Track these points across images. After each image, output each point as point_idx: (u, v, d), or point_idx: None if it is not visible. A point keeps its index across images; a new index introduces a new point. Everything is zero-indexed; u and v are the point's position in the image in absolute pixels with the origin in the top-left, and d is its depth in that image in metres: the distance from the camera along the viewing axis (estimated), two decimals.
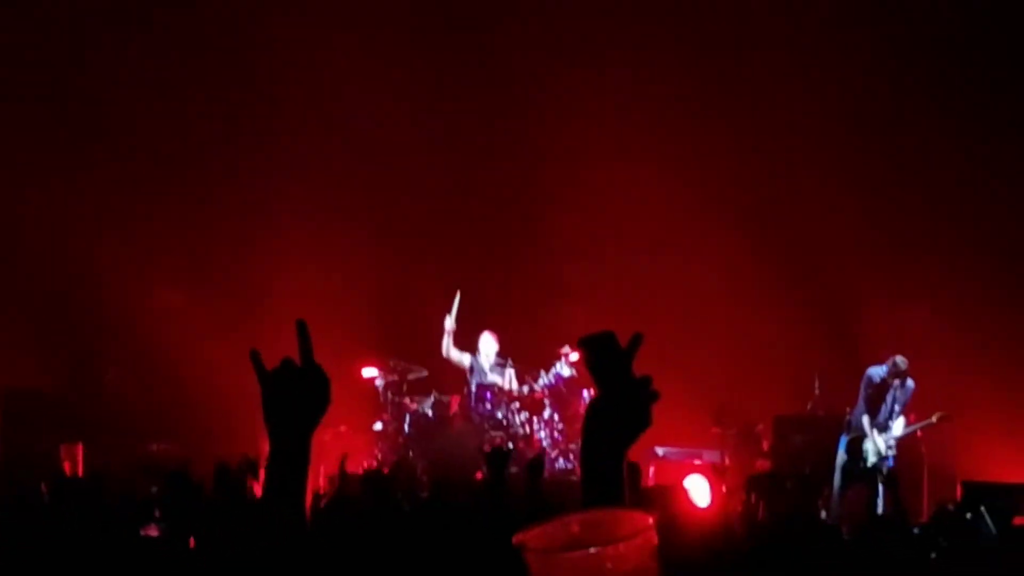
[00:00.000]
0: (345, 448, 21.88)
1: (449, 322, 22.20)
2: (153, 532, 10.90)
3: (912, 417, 20.31)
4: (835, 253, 22.88)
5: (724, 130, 23.70)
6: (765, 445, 22.07)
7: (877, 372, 20.07)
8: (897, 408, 20.08)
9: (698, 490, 18.53)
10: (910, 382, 20.05)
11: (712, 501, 18.43)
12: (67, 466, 19.78)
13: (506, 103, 24.88)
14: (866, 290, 22.90)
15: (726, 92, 24.06)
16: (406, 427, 22.20)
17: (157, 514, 12.14)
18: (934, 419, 20.21)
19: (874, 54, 23.49)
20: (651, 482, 20.08)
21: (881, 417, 20.09)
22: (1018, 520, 17.36)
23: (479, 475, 18.90)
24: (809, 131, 23.08)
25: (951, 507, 17.38)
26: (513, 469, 15.28)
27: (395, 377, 22.45)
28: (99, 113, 24.56)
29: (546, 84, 24.32)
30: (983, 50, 23.35)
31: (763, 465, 21.01)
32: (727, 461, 21.73)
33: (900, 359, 19.97)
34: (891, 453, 20.12)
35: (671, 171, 23.14)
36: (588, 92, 24.15)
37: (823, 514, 17.97)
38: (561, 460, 21.80)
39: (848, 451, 20.11)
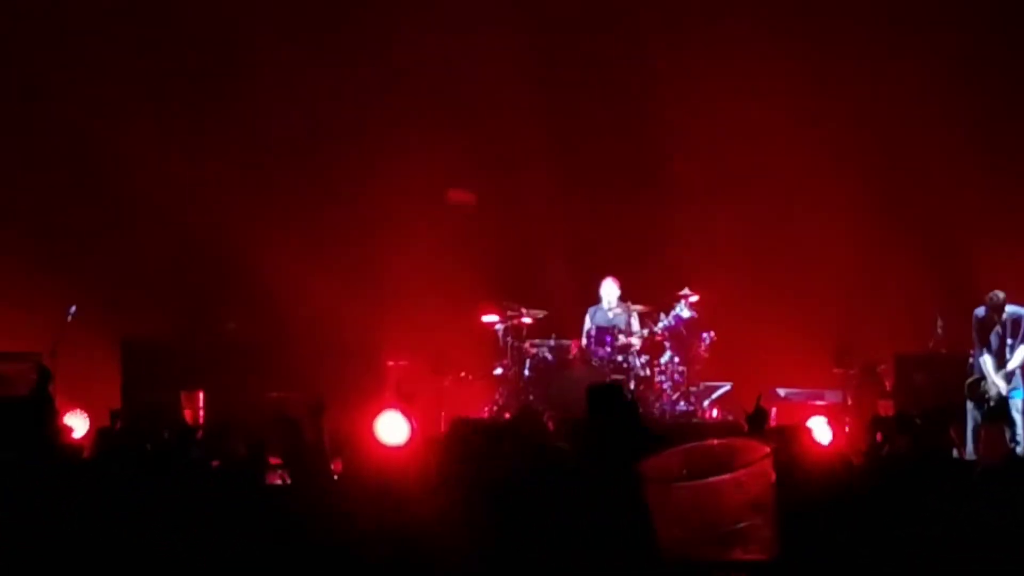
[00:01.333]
0: (456, 397, 22.10)
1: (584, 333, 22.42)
2: (280, 480, 11.04)
3: None
4: (953, 198, 22.78)
5: (848, 82, 23.60)
6: (888, 384, 21.99)
7: (979, 311, 20.00)
8: (1010, 341, 19.99)
9: (821, 430, 18.60)
10: (1015, 310, 19.91)
11: (834, 441, 18.50)
12: (188, 414, 20.00)
13: (629, 50, 24.78)
14: (982, 233, 22.74)
15: (849, 52, 23.95)
16: (526, 371, 22.25)
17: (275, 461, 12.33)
18: None
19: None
20: (774, 423, 20.08)
21: (996, 354, 20.04)
22: None
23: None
24: (927, 87, 22.91)
25: None
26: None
27: (515, 322, 22.54)
28: (229, 88, 24.85)
29: (670, 32, 24.22)
30: None
31: (886, 405, 20.97)
32: (849, 401, 21.75)
33: (995, 293, 19.82)
34: (1018, 391, 20.03)
35: (792, 118, 23.02)
36: (712, 39, 23.95)
37: (954, 453, 18.06)
38: (682, 403, 21.85)
39: (969, 395, 20.08)
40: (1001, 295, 19.76)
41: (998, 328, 19.80)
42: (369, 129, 24.81)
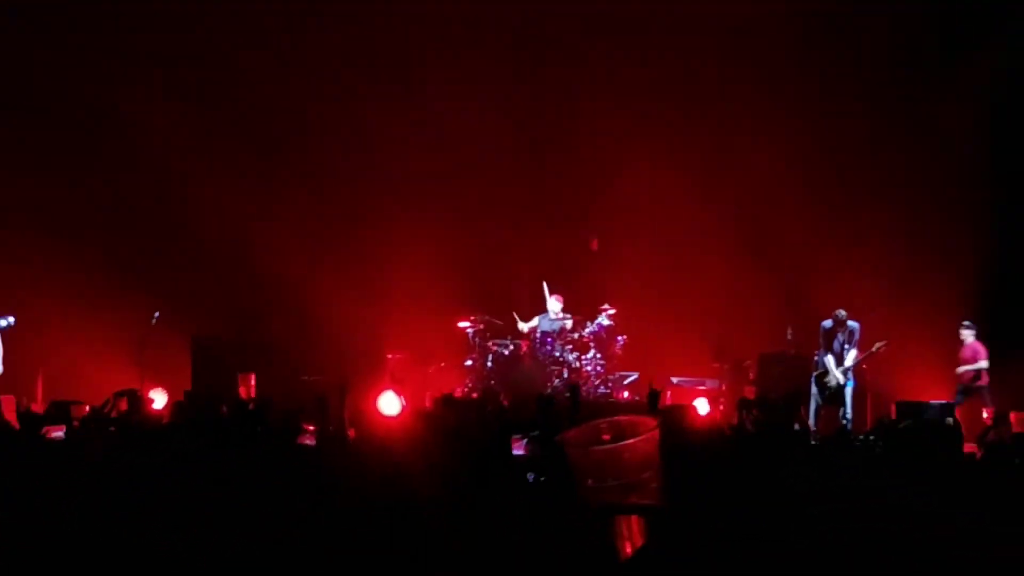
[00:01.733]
0: (438, 381, 22.22)
1: (524, 328, 22.53)
2: (308, 440, 11.09)
3: (860, 352, 20.44)
4: (800, 238, 22.80)
5: (726, 155, 23.62)
6: (751, 375, 22.17)
7: (826, 323, 20.34)
8: (847, 346, 20.28)
9: (703, 408, 18.77)
10: (852, 324, 20.26)
11: (712, 416, 18.66)
12: (243, 391, 20.04)
13: (572, 125, 24.67)
14: (819, 266, 22.83)
15: (726, 136, 23.96)
16: (489, 363, 22.53)
17: (308, 428, 12.38)
18: (874, 348, 20.36)
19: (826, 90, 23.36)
20: (668, 402, 20.26)
21: (836, 355, 20.31)
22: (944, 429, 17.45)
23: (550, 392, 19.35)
24: (785, 151, 23.00)
25: (887, 420, 17.56)
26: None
27: (481, 326, 22.75)
28: (269, 128, 24.80)
29: (600, 115, 24.19)
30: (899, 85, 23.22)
31: (750, 390, 21.12)
32: (723, 387, 21.92)
33: (840, 311, 20.35)
34: (849, 380, 20.30)
35: (687, 179, 23.13)
36: (629, 122, 23.79)
37: (796, 426, 18.20)
38: (602, 387, 22.12)
39: (816, 384, 20.34)
40: (843, 313, 20.44)
41: (839, 336, 20.15)
42: (379, 184, 24.68)
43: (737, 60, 23.60)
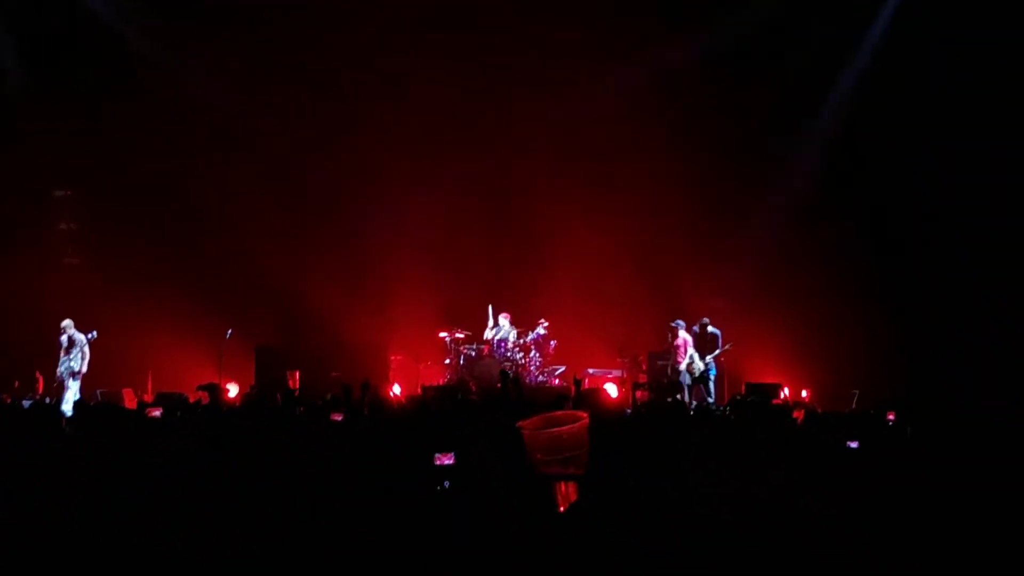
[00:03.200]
0: (426, 374, 22.22)
1: (488, 335, 22.49)
2: (337, 417, 11.06)
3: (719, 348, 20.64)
4: (681, 263, 22.95)
5: (625, 199, 23.48)
6: (644, 366, 22.25)
7: (695, 327, 20.56)
8: (709, 344, 20.51)
9: (611, 391, 18.81)
10: (712, 329, 20.49)
11: (618, 396, 18.69)
12: (291, 383, 19.97)
13: (507, 187, 24.45)
14: (699, 287, 23.02)
15: (618, 172, 23.96)
16: (460, 361, 22.51)
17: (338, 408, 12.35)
18: (725, 347, 20.63)
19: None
20: (585, 387, 20.31)
21: (701, 351, 20.48)
22: (775, 401, 17.61)
23: (499, 385, 19.22)
24: (664, 195, 23.14)
25: (739, 397, 17.68)
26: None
27: (454, 335, 22.75)
28: (306, 194, 24.79)
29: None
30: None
31: (643, 377, 21.24)
32: (624, 375, 21.99)
33: (704, 319, 20.53)
34: (711, 368, 20.45)
35: (592, 222, 23.20)
36: (548, 179, 23.64)
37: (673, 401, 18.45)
38: (540, 377, 22.16)
39: (687, 372, 20.47)
40: (706, 320, 20.36)
41: (705, 337, 20.36)
42: (388, 240, 24.50)
43: (633, 126, 23.41)
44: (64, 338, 20.27)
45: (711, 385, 20.59)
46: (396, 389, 19.40)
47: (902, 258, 21.72)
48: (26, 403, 16.00)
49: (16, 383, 21.48)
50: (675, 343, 20.94)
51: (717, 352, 20.71)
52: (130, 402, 19.23)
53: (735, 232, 23.37)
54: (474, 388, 17.58)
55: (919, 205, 21.57)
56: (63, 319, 20.45)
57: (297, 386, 19.64)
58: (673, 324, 21.09)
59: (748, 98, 23.26)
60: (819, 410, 13.34)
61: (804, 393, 20.03)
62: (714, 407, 18.07)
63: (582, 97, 24.08)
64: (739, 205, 23.45)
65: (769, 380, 20.56)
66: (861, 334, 21.60)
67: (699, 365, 20.54)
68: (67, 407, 17.31)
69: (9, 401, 17.38)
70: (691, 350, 20.73)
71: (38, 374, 20.79)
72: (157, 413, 11.07)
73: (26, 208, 24.60)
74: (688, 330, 21.10)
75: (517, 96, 24.22)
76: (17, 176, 24.14)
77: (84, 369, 20.28)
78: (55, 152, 24.09)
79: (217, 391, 12.49)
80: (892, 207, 21.74)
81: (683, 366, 20.54)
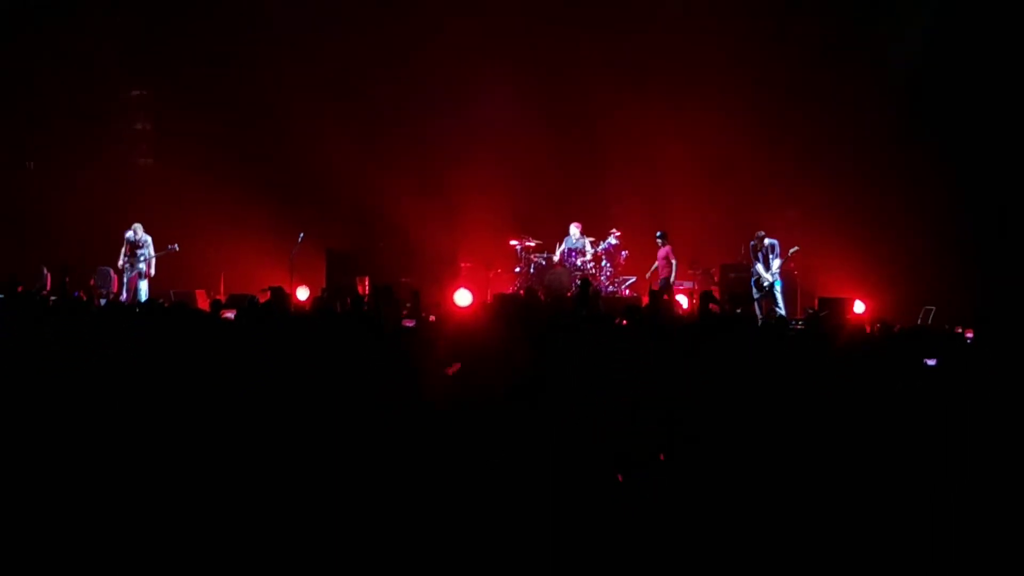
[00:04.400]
0: (495, 282, 22.19)
1: (556, 256, 22.34)
2: (408, 323, 11.07)
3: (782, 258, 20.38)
4: (755, 176, 22.68)
5: (702, 110, 23.05)
6: (716, 278, 22.07)
7: (752, 242, 20.37)
8: (772, 255, 20.21)
9: (683, 302, 18.76)
10: (769, 240, 20.19)
11: (689, 307, 18.61)
12: (360, 289, 20.06)
13: (579, 90, 24.21)
14: (770, 198, 22.68)
15: (696, 82, 23.51)
16: (531, 270, 22.43)
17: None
18: (790, 252, 20.36)
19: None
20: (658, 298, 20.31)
21: (764, 263, 20.23)
22: (849, 316, 17.43)
23: (569, 294, 19.16)
24: (740, 105, 22.74)
25: (811, 311, 17.53)
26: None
27: (525, 244, 22.65)
28: (377, 100, 24.80)
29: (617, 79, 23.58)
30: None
31: (715, 289, 21.03)
32: (695, 287, 21.82)
33: (759, 232, 20.31)
34: (777, 280, 20.20)
35: (667, 132, 22.89)
36: (624, 83, 23.40)
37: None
38: (611, 287, 22.03)
39: (754, 286, 20.28)
40: (762, 232, 20.30)
41: (763, 249, 20.00)
42: (460, 141, 24.46)
43: (711, 37, 23.11)
44: (131, 239, 20.53)
45: (779, 298, 20.35)
46: (462, 297, 19.37)
47: (982, 176, 21.26)
48: (103, 302, 16.26)
49: (92, 281, 21.81)
50: (658, 255, 20.92)
51: (780, 261, 20.37)
52: (203, 303, 19.47)
53: (811, 144, 22.95)
54: (543, 297, 17.52)
55: (1003, 124, 21.17)
56: (136, 220, 20.70)
57: (366, 292, 19.71)
58: (657, 236, 21.31)
59: (831, 8, 22.93)
60: (894, 326, 13.14)
61: (861, 308, 19.79)
62: (786, 320, 17.97)
63: (659, 6, 23.74)
64: (816, 118, 22.99)
65: (842, 295, 20.35)
66: (937, 250, 21.32)
67: (766, 277, 20.28)
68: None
69: (85, 299, 17.60)
70: (756, 264, 20.47)
71: (112, 273, 21.07)
72: (230, 315, 11.15)
73: (102, 108, 24.87)
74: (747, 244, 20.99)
75: (592, 3, 23.94)
76: (93, 76, 24.35)
77: (152, 272, 20.58)
78: (132, 52, 24.26)
79: (282, 293, 12.47)
80: (975, 124, 21.27)
81: (761, 275, 20.28)
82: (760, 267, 20.33)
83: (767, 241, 20.38)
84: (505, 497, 6.23)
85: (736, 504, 6.17)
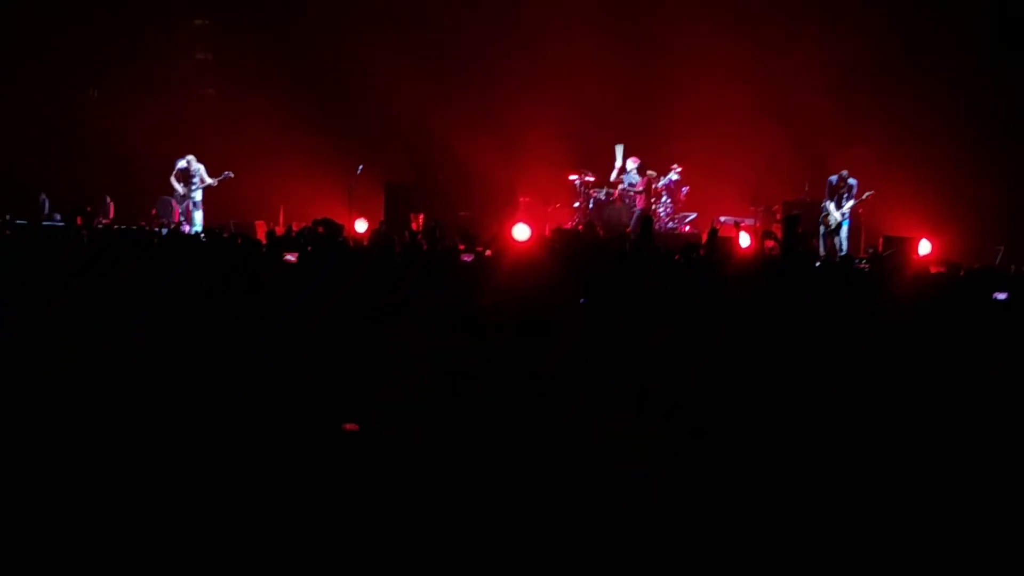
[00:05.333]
0: (554, 216, 22.14)
1: (614, 176, 22.10)
2: (467, 258, 11.08)
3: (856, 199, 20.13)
4: (828, 117, 22.19)
5: (765, 45, 22.95)
6: (778, 216, 21.81)
7: (832, 178, 20.06)
8: (846, 195, 19.96)
9: (744, 240, 18.55)
10: (852, 180, 19.92)
11: (750, 244, 18.44)
12: (413, 226, 20.05)
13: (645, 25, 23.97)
14: (840, 136, 22.28)
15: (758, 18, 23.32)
16: (590, 205, 22.32)
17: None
18: (864, 196, 20.08)
19: None
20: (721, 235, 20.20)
21: (837, 200, 20.00)
22: (915, 256, 17.25)
23: (627, 229, 19.07)
24: (806, 42, 22.55)
25: (872, 250, 17.37)
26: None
27: (584, 178, 22.53)
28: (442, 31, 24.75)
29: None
30: None
31: (776, 227, 20.84)
32: (757, 224, 21.61)
33: (843, 171, 19.96)
34: (845, 220, 19.99)
35: (731, 65, 22.60)
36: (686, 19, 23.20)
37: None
38: (671, 223, 21.89)
39: (821, 222, 20.06)
40: (846, 172, 19.90)
41: (842, 188, 19.75)
42: (517, 73, 24.44)
43: None
44: (182, 168, 20.66)
45: (844, 238, 20.15)
46: (520, 231, 19.31)
47: None
48: (163, 232, 16.42)
49: (153, 211, 22.01)
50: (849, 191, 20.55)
51: (854, 202, 20.14)
52: (260, 233, 19.60)
53: (879, 82, 22.59)
54: (602, 233, 17.45)
55: None
56: (197, 150, 20.84)
57: (420, 229, 19.69)
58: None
59: None
60: (962, 264, 12.96)
61: (927, 247, 19.56)
62: (850, 257, 17.80)
63: None
64: (883, 55, 22.61)
65: (908, 234, 20.08)
66: (1008, 189, 20.98)
67: (835, 216, 20.06)
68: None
69: (147, 228, 17.78)
70: (826, 202, 20.25)
71: (174, 203, 21.22)
72: (292, 258, 11.20)
73: (164, 37, 24.98)
74: (824, 180, 20.70)
75: None
76: (156, 4, 24.46)
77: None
78: None
79: (331, 226, 12.48)
80: None
81: (831, 213, 20.11)
82: (831, 204, 20.11)
83: (850, 180, 20.19)
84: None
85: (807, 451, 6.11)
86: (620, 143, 22.43)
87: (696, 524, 5.45)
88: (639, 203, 21.97)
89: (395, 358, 7.46)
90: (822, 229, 20.17)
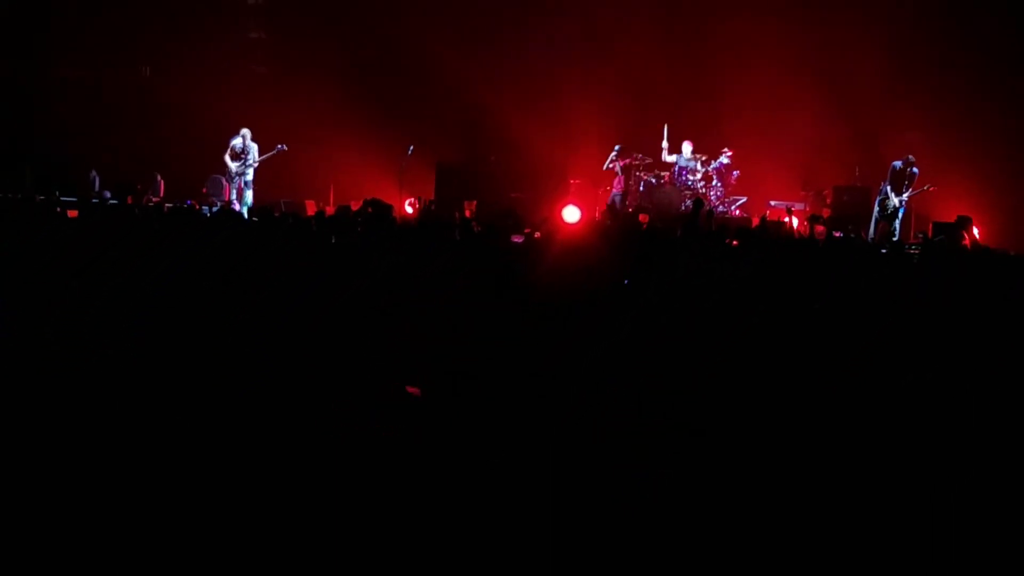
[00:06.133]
0: (604, 199, 22.17)
1: (665, 157, 22.13)
2: (518, 239, 11.13)
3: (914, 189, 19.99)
4: (881, 101, 22.04)
5: (813, 24, 22.86)
6: (828, 200, 21.77)
7: (897, 163, 19.88)
8: (907, 183, 19.84)
9: (793, 223, 18.57)
10: (915, 169, 19.79)
11: (799, 228, 18.45)
12: (467, 212, 20.07)
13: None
14: (893, 121, 22.12)
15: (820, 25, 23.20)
16: (641, 187, 22.31)
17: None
18: (925, 188, 19.93)
19: None
20: (770, 219, 20.16)
21: (895, 187, 19.88)
22: (965, 242, 17.17)
23: (679, 212, 19.10)
24: (860, 25, 22.41)
25: (922, 235, 17.32)
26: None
27: (636, 161, 22.51)
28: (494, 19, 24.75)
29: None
30: None
31: (826, 211, 20.79)
32: (807, 208, 21.58)
33: (909, 156, 19.82)
34: (902, 207, 19.90)
35: (783, 49, 22.39)
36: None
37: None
38: (720, 207, 21.85)
39: (878, 205, 19.96)
40: (912, 158, 19.85)
41: (905, 175, 19.68)
42: (568, 56, 24.39)
43: None
44: (239, 141, 20.61)
45: (898, 225, 20.07)
46: (570, 213, 19.39)
47: None
48: (213, 210, 16.59)
49: (204, 189, 22.25)
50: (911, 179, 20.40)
51: (913, 192, 20.03)
52: (310, 212, 19.77)
53: (932, 67, 22.37)
54: (645, 218, 17.46)
55: None
56: (249, 128, 20.89)
57: (469, 214, 19.73)
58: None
59: None
60: (1010, 252, 12.92)
61: (976, 233, 19.42)
62: (901, 243, 17.76)
63: None
64: (939, 42, 22.40)
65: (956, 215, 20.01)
66: None
67: (894, 201, 19.96)
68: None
69: (197, 206, 17.97)
70: (885, 185, 20.15)
71: (224, 181, 21.36)
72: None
73: (218, 15, 25.16)
74: (889, 165, 20.61)
75: None
76: None
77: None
78: None
79: (380, 206, 12.57)
80: None
81: (890, 197, 19.98)
82: (890, 188, 20.04)
83: (914, 169, 20.08)
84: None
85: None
86: (666, 124, 22.41)
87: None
88: (666, 183, 22.07)
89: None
90: (876, 213, 20.09)
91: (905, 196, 19.91)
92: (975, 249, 12.12)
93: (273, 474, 5.92)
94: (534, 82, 24.22)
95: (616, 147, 22.17)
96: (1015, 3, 21.77)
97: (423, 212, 19.97)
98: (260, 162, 20.52)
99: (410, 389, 6.83)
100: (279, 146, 20.41)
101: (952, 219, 19.62)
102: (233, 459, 6.11)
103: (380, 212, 12.50)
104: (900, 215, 20.02)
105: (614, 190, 21.95)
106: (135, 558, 5.10)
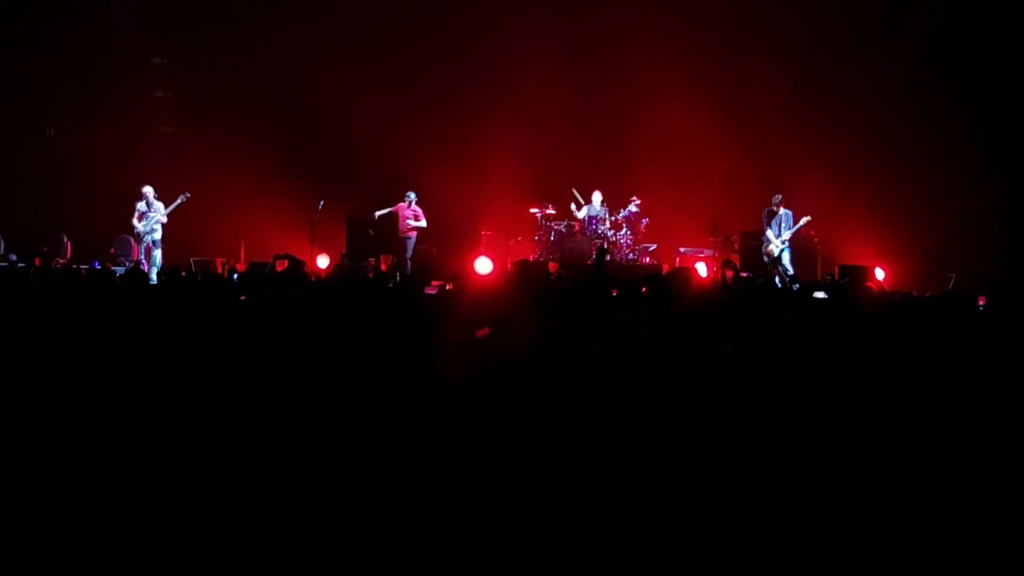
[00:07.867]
0: (516, 250, 22.22)
1: (576, 214, 22.33)
2: (431, 291, 11.08)
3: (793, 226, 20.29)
4: (782, 143, 22.35)
5: (726, 78, 23.19)
6: (736, 246, 22.01)
7: (770, 209, 20.25)
8: (784, 224, 20.14)
9: (702, 269, 18.73)
10: (783, 209, 20.17)
11: (708, 276, 18.61)
12: (382, 267, 19.99)
13: (602, 62, 24.31)
14: (792, 164, 22.43)
15: (721, 50, 23.57)
16: (551, 237, 22.45)
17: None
18: (802, 221, 20.24)
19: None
20: (678, 264, 20.34)
21: (776, 230, 20.14)
22: (869, 284, 17.37)
23: (589, 262, 19.18)
24: (760, 69, 22.72)
25: (830, 278, 17.56)
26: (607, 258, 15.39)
27: (545, 211, 22.69)
28: (402, 68, 24.84)
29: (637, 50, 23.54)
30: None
31: (735, 256, 21.02)
32: (716, 255, 21.81)
33: (776, 196, 20.34)
34: (785, 249, 20.11)
35: (689, 97, 22.64)
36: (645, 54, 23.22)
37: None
38: (631, 255, 22.04)
39: (763, 252, 20.24)
40: (779, 198, 20.47)
41: (777, 217, 20.07)
42: (479, 111, 24.44)
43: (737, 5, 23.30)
44: (143, 204, 20.16)
45: (788, 264, 20.31)
46: (482, 265, 19.38)
47: (1009, 145, 21.06)
48: (120, 270, 16.35)
49: (112, 250, 21.94)
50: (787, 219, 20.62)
51: (792, 230, 20.28)
52: (218, 269, 19.56)
53: (834, 110, 22.77)
54: (555, 267, 17.55)
55: None
56: (157, 187, 20.57)
57: (384, 269, 19.67)
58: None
59: None
60: (914, 293, 13.13)
61: (881, 275, 19.73)
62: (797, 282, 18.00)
63: None
64: (840, 85, 22.85)
65: (862, 262, 20.29)
66: (960, 218, 21.16)
67: (776, 244, 20.24)
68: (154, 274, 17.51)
69: (108, 267, 17.71)
70: (767, 231, 20.41)
71: (132, 241, 21.06)
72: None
73: (123, 75, 24.92)
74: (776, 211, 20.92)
75: None
76: (115, 43, 24.44)
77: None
78: (153, 19, 24.35)
79: (293, 261, 12.49)
80: (1000, 89, 21.08)
81: (771, 241, 20.23)
82: (771, 233, 20.30)
83: (782, 211, 20.32)
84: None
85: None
86: (574, 187, 22.60)
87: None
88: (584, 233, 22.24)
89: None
90: (766, 259, 20.33)
91: (786, 236, 20.21)
92: (881, 292, 12.30)
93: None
94: (443, 135, 24.28)
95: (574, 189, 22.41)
96: (912, 51, 22.21)
97: (336, 267, 19.87)
98: (167, 215, 19.99)
99: (479, 333, 6.85)
100: (183, 195, 19.96)
101: (859, 262, 20.02)
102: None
103: (293, 267, 12.39)
104: (787, 256, 20.28)
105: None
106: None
